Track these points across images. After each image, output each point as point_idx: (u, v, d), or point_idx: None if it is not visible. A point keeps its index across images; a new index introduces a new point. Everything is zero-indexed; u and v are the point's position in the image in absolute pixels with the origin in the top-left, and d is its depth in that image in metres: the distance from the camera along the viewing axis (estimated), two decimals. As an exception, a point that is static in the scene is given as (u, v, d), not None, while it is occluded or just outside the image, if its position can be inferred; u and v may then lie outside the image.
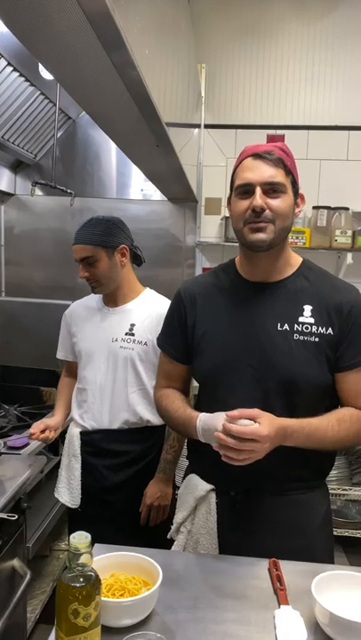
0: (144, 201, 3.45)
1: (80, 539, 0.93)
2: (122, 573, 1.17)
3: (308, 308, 1.37)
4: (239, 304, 1.40)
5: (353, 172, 3.32)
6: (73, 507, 1.96)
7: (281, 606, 1.15)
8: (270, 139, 3.31)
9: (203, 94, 3.34)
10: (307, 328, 1.35)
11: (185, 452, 1.62)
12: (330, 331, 1.35)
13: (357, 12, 3.26)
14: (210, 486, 1.43)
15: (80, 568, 0.93)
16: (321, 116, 3.34)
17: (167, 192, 3.28)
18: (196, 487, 1.45)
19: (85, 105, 1.64)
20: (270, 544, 1.37)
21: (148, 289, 2.06)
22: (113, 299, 2.00)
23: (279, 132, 3.34)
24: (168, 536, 1.53)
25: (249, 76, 3.36)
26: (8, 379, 2.99)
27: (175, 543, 1.48)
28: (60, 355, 2.16)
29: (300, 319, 1.36)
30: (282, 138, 3.32)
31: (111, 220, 1.96)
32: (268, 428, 1.20)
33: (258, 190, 1.31)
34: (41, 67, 2.44)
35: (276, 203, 1.31)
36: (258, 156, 1.32)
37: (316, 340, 1.34)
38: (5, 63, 2.34)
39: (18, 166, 3.43)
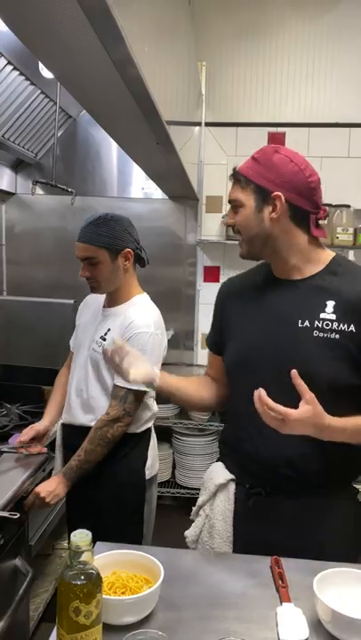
0: (145, 199, 3.45)
1: (81, 537, 0.93)
2: (123, 571, 1.17)
3: (330, 304, 1.33)
4: (267, 300, 1.41)
5: (354, 169, 3.32)
6: None
7: (283, 603, 1.15)
8: (271, 137, 3.31)
9: (203, 92, 3.33)
10: (327, 325, 1.31)
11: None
12: (351, 328, 1.30)
13: (357, 10, 3.25)
14: (230, 476, 1.47)
15: (81, 566, 0.93)
16: (322, 113, 3.33)
17: (168, 190, 3.27)
18: (218, 474, 1.49)
19: (85, 102, 1.64)
20: (280, 542, 1.37)
21: (139, 295, 1.99)
22: (108, 299, 1.99)
23: (280, 129, 3.33)
24: (190, 517, 1.58)
25: (249, 74, 3.36)
26: (9, 377, 2.98)
27: (193, 524, 1.54)
28: (71, 342, 2.16)
29: (322, 315, 1.32)
30: (283, 136, 3.32)
31: (120, 220, 1.89)
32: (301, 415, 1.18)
33: (229, 209, 1.44)
34: (41, 65, 2.43)
35: (236, 219, 1.41)
36: (231, 176, 1.43)
37: (337, 337, 1.30)
38: (5, 62, 2.34)
39: (18, 165, 3.43)
